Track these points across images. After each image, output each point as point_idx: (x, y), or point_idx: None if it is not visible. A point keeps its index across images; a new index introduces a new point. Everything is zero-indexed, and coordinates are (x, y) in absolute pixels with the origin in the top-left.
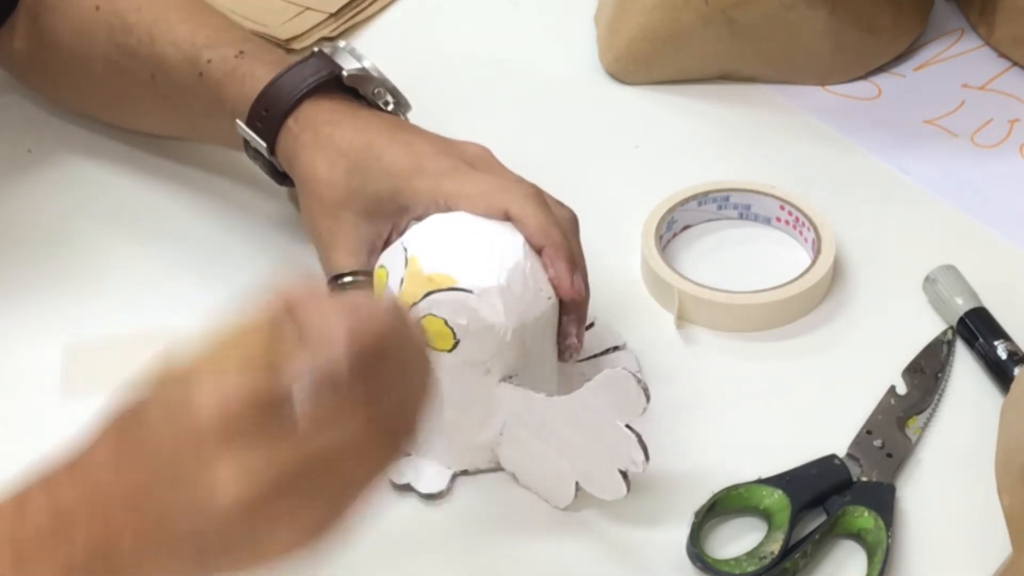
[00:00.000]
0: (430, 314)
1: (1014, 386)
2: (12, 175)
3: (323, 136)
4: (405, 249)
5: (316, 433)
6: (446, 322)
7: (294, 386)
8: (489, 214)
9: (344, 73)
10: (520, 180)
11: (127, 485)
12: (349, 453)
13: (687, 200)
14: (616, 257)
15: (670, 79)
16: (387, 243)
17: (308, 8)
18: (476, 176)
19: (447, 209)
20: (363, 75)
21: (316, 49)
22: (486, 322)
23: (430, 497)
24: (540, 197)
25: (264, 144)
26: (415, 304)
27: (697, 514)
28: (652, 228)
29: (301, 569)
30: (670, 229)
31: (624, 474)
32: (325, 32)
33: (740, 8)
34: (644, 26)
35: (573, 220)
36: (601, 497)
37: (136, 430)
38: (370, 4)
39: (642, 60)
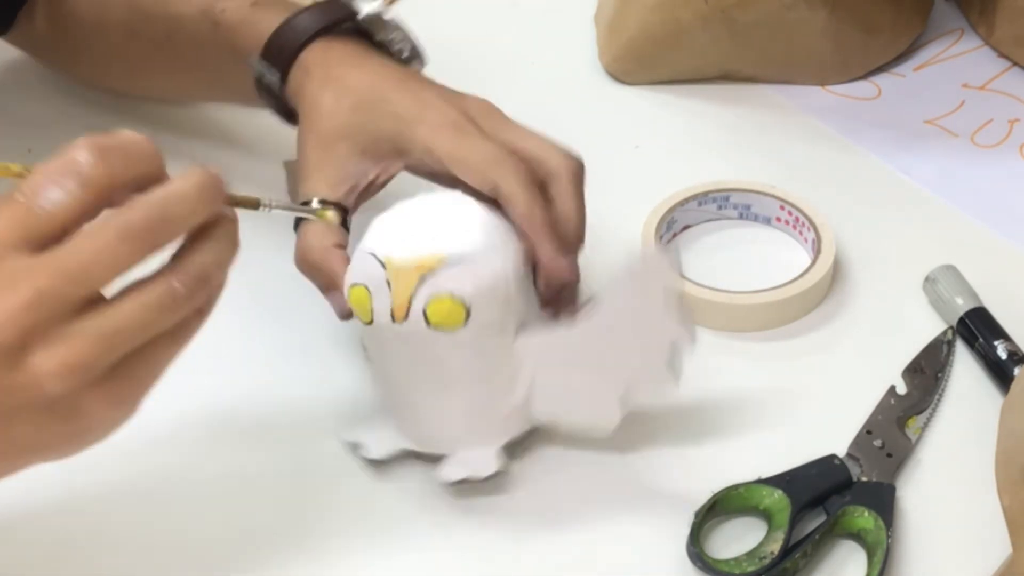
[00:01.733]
0: (435, 295)
1: (1014, 386)
2: None
3: (333, 74)
4: (374, 255)
5: (78, 255)
6: (452, 295)
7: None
8: (479, 186)
9: (360, 16)
10: (511, 155)
11: None
12: (102, 261)
13: (687, 200)
14: (616, 257)
15: (670, 79)
16: (368, 188)
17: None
18: (473, 142)
19: (439, 164)
20: (378, 19)
21: None
22: (488, 280)
23: (488, 479)
24: (530, 176)
25: (277, 74)
26: (413, 296)
27: (697, 514)
28: (652, 228)
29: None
30: (670, 229)
31: (671, 364)
32: None
33: (740, 8)
34: (644, 26)
35: (575, 170)
36: (653, 400)
37: None
38: None
39: (642, 60)
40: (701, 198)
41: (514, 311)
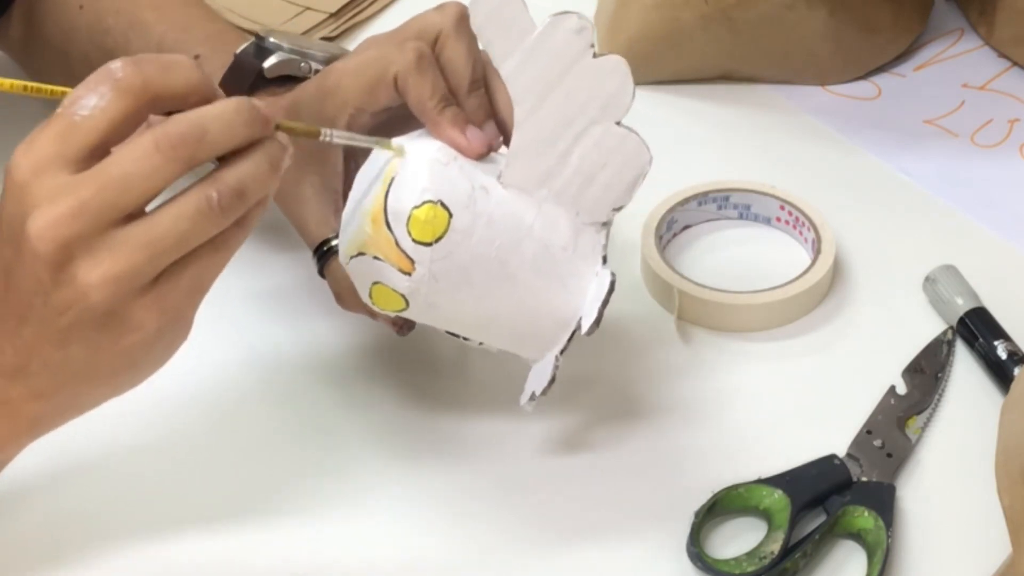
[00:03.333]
0: (407, 223)
1: (1014, 386)
2: None
3: None
4: (351, 257)
5: (116, 166)
6: (412, 208)
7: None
8: (389, 93)
9: (265, 67)
10: (404, 43)
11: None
12: (139, 171)
13: (687, 200)
14: (616, 257)
15: (670, 79)
16: (344, 194)
17: (308, 8)
18: (359, 54)
19: (354, 109)
20: (284, 61)
21: (237, 51)
22: (423, 171)
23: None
24: (424, 62)
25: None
26: (398, 243)
27: (697, 514)
28: (652, 228)
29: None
30: (670, 229)
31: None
32: (325, 32)
33: (740, 8)
34: (644, 26)
35: (456, 19)
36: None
37: None
38: (370, 4)
39: (642, 60)
40: (701, 198)
41: (482, 170)
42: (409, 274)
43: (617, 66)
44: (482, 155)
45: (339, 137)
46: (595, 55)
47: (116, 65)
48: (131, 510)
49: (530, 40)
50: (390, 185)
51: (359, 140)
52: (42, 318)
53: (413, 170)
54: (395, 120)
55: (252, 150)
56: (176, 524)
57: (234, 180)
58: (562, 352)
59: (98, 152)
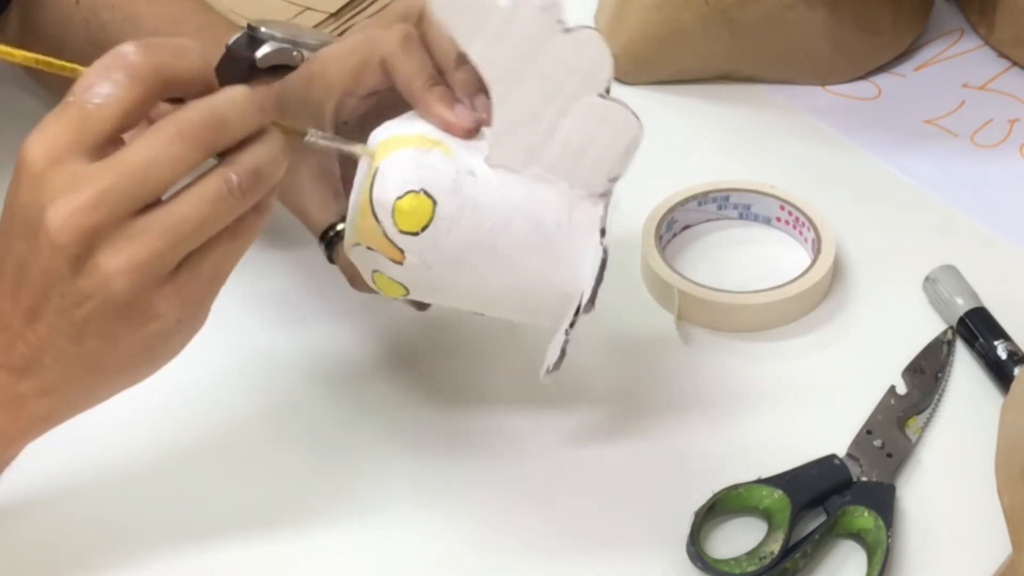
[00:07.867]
0: (393, 211)
1: (1014, 386)
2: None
3: None
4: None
5: (132, 154)
6: (396, 199)
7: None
8: (366, 67)
9: (258, 57)
10: (389, 25)
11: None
12: (161, 160)
13: (687, 200)
14: (616, 257)
15: (670, 79)
16: (343, 177)
17: (308, 8)
18: (345, 40)
19: (342, 93)
20: (277, 51)
21: (229, 43)
22: (407, 160)
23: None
24: (410, 42)
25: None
26: (388, 234)
27: (697, 514)
28: (652, 228)
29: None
30: (670, 229)
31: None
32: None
33: (740, 8)
34: (644, 26)
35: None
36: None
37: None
38: (370, 4)
39: (642, 60)
40: (701, 198)
41: (469, 152)
42: (400, 263)
43: (591, 39)
44: (471, 132)
45: (323, 139)
46: (567, 30)
47: (129, 49)
48: (132, 520)
49: (494, 22)
50: (375, 176)
51: (341, 143)
52: (58, 311)
53: (396, 159)
54: (385, 104)
55: (262, 135)
56: (180, 533)
57: (251, 162)
58: (572, 326)
59: (113, 140)
